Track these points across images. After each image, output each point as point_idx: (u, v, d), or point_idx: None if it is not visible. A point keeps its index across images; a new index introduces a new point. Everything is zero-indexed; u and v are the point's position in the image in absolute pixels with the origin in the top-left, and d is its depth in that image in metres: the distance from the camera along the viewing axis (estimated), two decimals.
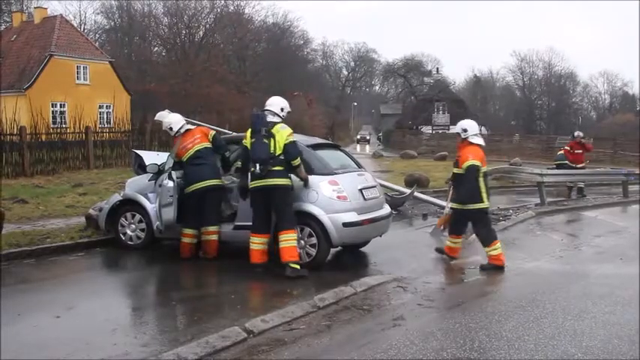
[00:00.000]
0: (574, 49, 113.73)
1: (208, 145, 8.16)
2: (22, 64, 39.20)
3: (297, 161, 7.37)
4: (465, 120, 8.65)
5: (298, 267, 7.18)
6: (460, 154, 8.28)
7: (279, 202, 7.27)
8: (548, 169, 17.78)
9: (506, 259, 8.05)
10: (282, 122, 7.43)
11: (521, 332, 5.42)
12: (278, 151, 7.21)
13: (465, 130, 8.32)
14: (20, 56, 39.87)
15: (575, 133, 18.15)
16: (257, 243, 7.40)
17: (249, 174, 7.30)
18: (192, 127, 8.52)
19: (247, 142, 7.38)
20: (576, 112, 77.74)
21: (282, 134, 7.27)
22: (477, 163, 8.08)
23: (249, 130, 7.39)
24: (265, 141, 7.21)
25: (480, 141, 8.34)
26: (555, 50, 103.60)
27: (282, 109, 7.55)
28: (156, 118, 9.11)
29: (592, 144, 22.95)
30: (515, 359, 4.81)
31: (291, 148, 7.30)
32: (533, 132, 64.55)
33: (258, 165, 7.15)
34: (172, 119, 8.46)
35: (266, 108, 7.55)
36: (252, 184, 7.28)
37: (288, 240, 7.20)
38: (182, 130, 8.30)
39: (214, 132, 8.54)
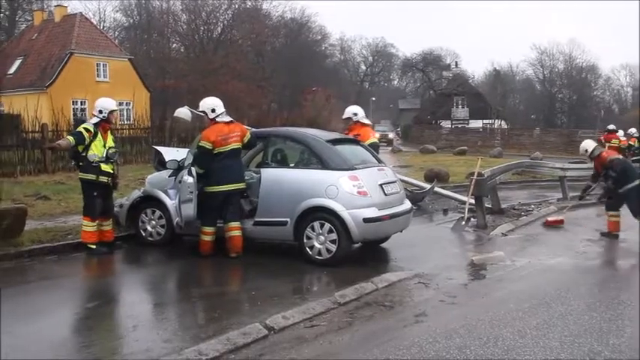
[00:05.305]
0: (595, 41, 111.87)
1: (240, 146, 8.08)
2: (43, 62, 39.59)
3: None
4: (352, 106, 10.55)
5: (94, 247, 8.06)
6: (360, 133, 9.79)
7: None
8: (569, 162, 17.55)
9: (529, 255, 7.88)
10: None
11: (546, 329, 5.34)
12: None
13: (355, 114, 10.14)
14: (41, 54, 40.30)
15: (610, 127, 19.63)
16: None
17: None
18: (232, 119, 8.24)
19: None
20: (598, 105, 76.45)
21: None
22: (377, 141, 10.20)
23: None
24: None
25: (368, 122, 10.37)
26: (576, 42, 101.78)
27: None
28: (175, 115, 9.07)
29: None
30: (540, 358, 4.73)
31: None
32: (553, 126, 63.61)
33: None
34: (216, 101, 8.19)
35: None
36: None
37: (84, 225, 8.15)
38: (225, 119, 8.09)
39: (250, 134, 8.27)
